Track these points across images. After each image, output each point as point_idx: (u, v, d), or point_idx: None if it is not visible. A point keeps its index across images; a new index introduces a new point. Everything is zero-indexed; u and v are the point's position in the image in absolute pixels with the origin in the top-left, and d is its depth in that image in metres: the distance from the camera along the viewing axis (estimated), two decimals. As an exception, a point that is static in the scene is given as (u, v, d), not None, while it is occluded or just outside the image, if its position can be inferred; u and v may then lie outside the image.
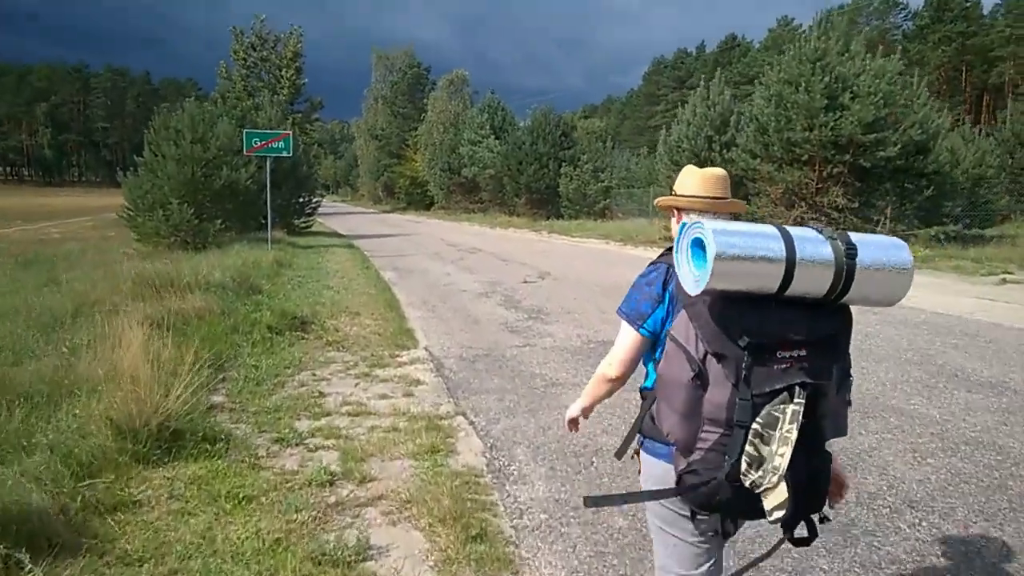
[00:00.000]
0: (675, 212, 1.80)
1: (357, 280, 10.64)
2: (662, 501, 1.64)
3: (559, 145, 27.51)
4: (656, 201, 1.96)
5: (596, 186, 25.80)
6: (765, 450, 1.32)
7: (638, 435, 1.74)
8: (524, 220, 27.55)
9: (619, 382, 1.75)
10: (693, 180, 1.77)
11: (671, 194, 1.82)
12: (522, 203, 28.81)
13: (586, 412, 1.89)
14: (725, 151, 16.02)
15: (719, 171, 1.80)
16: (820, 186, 14.29)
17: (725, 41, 72.90)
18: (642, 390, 1.75)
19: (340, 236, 21.91)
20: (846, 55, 13.73)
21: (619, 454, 1.86)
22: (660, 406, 1.49)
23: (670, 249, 1.58)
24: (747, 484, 1.34)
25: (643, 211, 24.43)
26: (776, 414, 1.32)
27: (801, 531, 1.43)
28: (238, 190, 15.14)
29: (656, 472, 1.66)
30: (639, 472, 1.77)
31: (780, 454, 1.30)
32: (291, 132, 14.36)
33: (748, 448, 1.32)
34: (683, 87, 72.83)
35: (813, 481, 1.38)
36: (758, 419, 1.32)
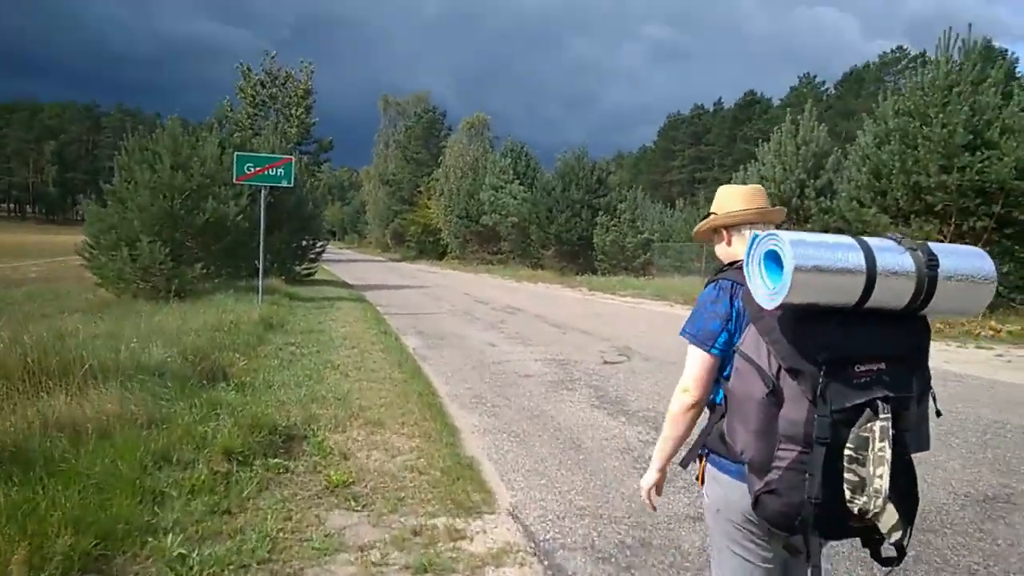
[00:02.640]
0: (723, 233, 1.74)
1: (372, 353, 7.58)
2: (732, 519, 1.58)
3: (594, 192, 24.93)
4: (698, 228, 1.83)
5: (635, 238, 23.03)
6: (863, 472, 1.26)
7: (703, 448, 1.67)
8: (551, 274, 24.71)
9: (698, 408, 1.64)
10: (738, 196, 1.74)
11: (714, 215, 1.76)
12: (550, 255, 26.02)
13: (664, 468, 1.75)
14: (822, 199, 13.23)
15: (756, 185, 1.90)
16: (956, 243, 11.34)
17: (744, 98, 72.14)
18: (708, 404, 1.67)
19: (347, 287, 18.97)
20: (988, 82, 11.04)
21: (684, 463, 1.74)
22: (733, 423, 1.46)
23: (729, 265, 1.68)
24: (856, 511, 1.28)
25: (681, 267, 21.65)
26: (865, 434, 1.27)
27: (888, 551, 1.34)
28: (225, 227, 12.31)
29: (724, 490, 1.59)
30: (698, 479, 1.71)
31: (879, 475, 1.25)
32: (293, 158, 11.54)
33: (847, 475, 1.27)
34: (699, 143, 71.87)
35: (906, 497, 1.32)
36: (849, 443, 1.27)
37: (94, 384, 4.16)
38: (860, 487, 1.27)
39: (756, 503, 1.39)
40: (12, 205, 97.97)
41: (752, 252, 1.38)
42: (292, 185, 11.59)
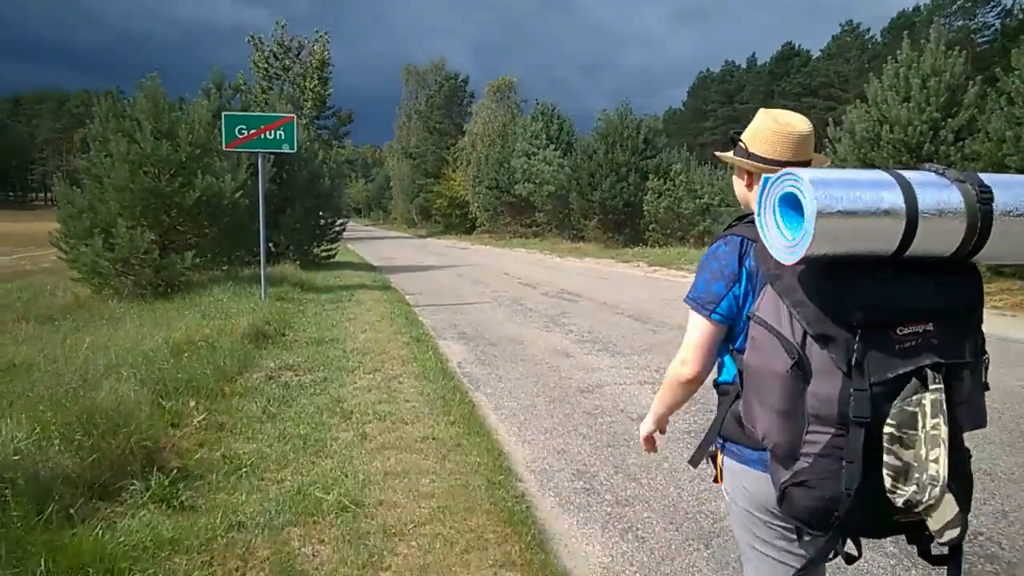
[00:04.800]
0: (746, 172, 1.45)
1: (403, 380, 5.24)
2: (760, 516, 1.36)
3: (640, 154, 22.07)
4: (722, 155, 1.51)
5: (693, 204, 20.24)
6: (909, 455, 1.06)
7: (717, 438, 1.44)
8: (595, 247, 22.11)
9: (696, 383, 1.42)
10: (774, 137, 1.37)
11: (741, 147, 1.42)
12: (593, 225, 23.36)
13: (661, 422, 1.57)
14: (961, 144, 10.35)
15: (804, 125, 1.39)
16: None
17: (782, 51, 67.14)
18: (718, 385, 1.46)
19: (371, 269, 16.73)
20: None
21: (694, 461, 1.51)
22: (751, 404, 1.23)
23: (741, 218, 1.42)
24: (900, 503, 1.06)
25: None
26: (912, 409, 1.06)
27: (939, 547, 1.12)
28: (222, 206, 10.05)
29: (746, 483, 1.37)
30: (717, 480, 1.48)
31: (933, 459, 1.03)
32: (294, 117, 9.14)
33: (887, 458, 1.06)
34: (732, 102, 67.72)
35: (962, 486, 1.10)
36: (890, 419, 1.06)
37: None
38: (904, 473, 1.06)
39: (782, 497, 1.17)
40: (47, 194, 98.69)
41: (764, 197, 1.14)
42: (295, 150, 9.22)
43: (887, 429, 1.06)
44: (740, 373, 1.31)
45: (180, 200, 9.69)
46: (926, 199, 1.07)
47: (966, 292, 1.16)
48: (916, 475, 1.05)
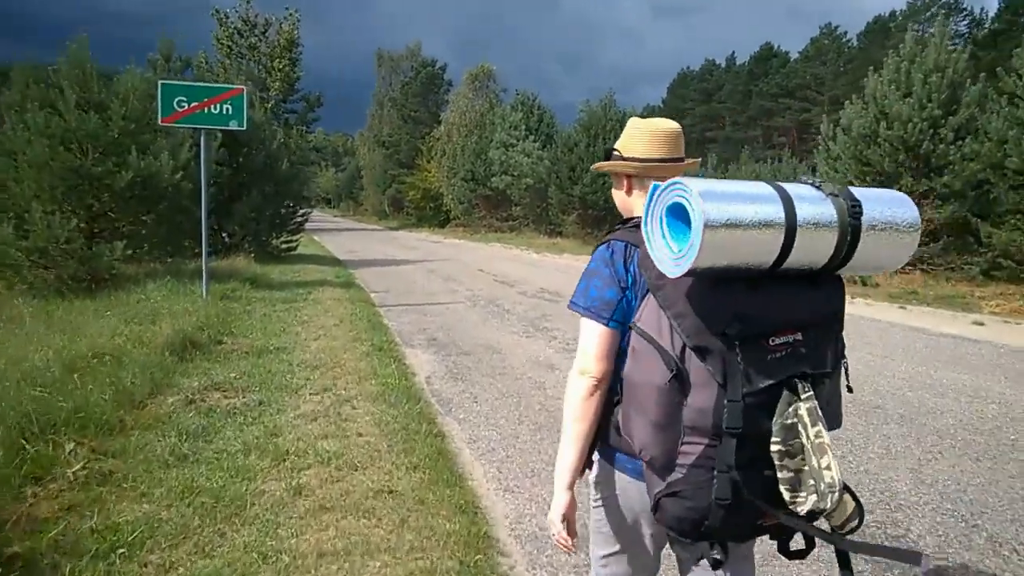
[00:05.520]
0: (623, 180, 1.46)
1: (357, 404, 4.31)
2: (625, 519, 1.40)
3: (623, 147, 21.29)
4: (595, 166, 1.58)
5: (674, 200, 19.54)
6: (797, 465, 1.09)
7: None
8: (574, 243, 21.33)
9: (603, 384, 1.34)
10: (647, 137, 1.42)
11: (617, 155, 1.45)
12: (571, 220, 22.56)
13: (570, 492, 1.38)
14: (961, 144, 9.81)
15: (672, 124, 1.46)
16: None
17: (761, 51, 67.40)
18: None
19: (336, 263, 15.63)
20: None
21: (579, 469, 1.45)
22: (629, 414, 1.22)
23: (624, 222, 1.42)
24: (804, 512, 1.09)
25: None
26: (791, 421, 1.09)
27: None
28: (159, 191, 8.90)
29: (615, 489, 1.38)
30: (592, 483, 1.45)
31: (826, 466, 1.07)
32: (244, 89, 8.04)
33: (780, 474, 1.09)
34: (711, 100, 67.90)
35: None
36: (774, 438, 1.09)
37: None
38: (800, 483, 1.09)
39: (656, 507, 1.18)
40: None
41: (651, 207, 1.13)
42: (244, 127, 8.12)
43: (774, 447, 1.08)
44: (620, 383, 1.29)
45: (111, 182, 8.53)
46: (804, 212, 1.09)
47: (834, 301, 1.21)
48: (812, 483, 1.07)
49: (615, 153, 1.46)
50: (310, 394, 4.41)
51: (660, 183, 1.13)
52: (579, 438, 1.34)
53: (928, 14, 57.94)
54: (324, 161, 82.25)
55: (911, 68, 10.25)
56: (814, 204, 1.11)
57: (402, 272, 13.80)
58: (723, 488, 1.08)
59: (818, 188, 1.16)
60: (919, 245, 10.59)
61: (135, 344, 4.88)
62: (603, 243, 1.41)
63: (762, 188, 1.11)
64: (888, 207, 1.18)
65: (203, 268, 8.05)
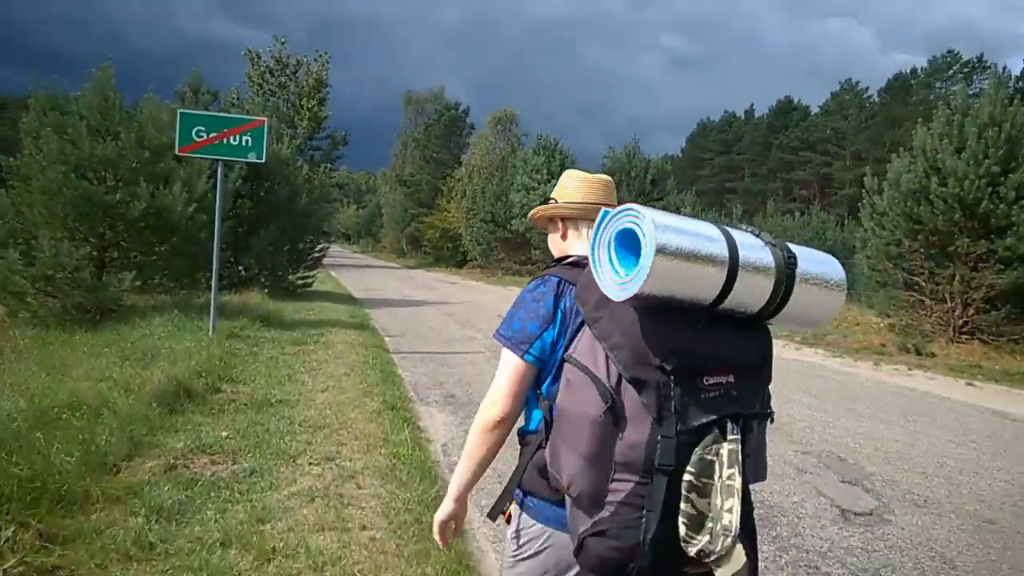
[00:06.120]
0: (559, 224, 1.51)
1: (362, 479, 3.67)
2: (532, 565, 1.34)
3: (648, 195, 20.96)
4: (534, 212, 1.56)
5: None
6: (703, 504, 1.05)
7: (517, 490, 1.37)
8: (595, 289, 20.76)
9: (508, 423, 1.33)
10: (581, 185, 1.50)
11: (553, 203, 1.52)
12: (592, 267, 22.02)
13: (463, 495, 1.38)
14: (1021, 199, 9.19)
15: (604, 175, 1.56)
16: None
17: (780, 104, 67.85)
18: (521, 434, 1.39)
19: (351, 302, 15.16)
20: None
21: (492, 515, 1.44)
22: (558, 449, 1.18)
23: (559, 260, 1.46)
24: (693, 552, 1.04)
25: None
26: (710, 457, 1.06)
27: None
28: (173, 221, 8.54)
29: (538, 545, 1.32)
30: (510, 537, 1.38)
31: (727, 509, 1.04)
32: (265, 120, 7.72)
33: (684, 506, 1.04)
34: (730, 151, 68.26)
35: (750, 537, 1.11)
36: (690, 467, 1.06)
37: None
38: (699, 523, 1.05)
39: (580, 548, 1.12)
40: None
41: (601, 231, 1.14)
42: (263, 160, 7.76)
43: (686, 477, 1.05)
44: (546, 420, 1.29)
45: (124, 211, 8.20)
46: (747, 255, 1.11)
47: (764, 348, 1.22)
48: (710, 525, 1.04)
49: (552, 200, 1.51)
50: (309, 464, 3.79)
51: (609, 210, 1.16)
52: (473, 460, 1.35)
53: (951, 72, 58.15)
54: (346, 198, 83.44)
55: (964, 121, 9.73)
56: (754, 250, 1.14)
57: (419, 314, 13.27)
58: (650, 528, 1.05)
59: (757, 236, 1.19)
60: (980, 314, 9.57)
61: (121, 391, 4.34)
62: (537, 277, 1.41)
63: (708, 226, 1.13)
64: (819, 265, 1.22)
65: (212, 303, 7.58)
